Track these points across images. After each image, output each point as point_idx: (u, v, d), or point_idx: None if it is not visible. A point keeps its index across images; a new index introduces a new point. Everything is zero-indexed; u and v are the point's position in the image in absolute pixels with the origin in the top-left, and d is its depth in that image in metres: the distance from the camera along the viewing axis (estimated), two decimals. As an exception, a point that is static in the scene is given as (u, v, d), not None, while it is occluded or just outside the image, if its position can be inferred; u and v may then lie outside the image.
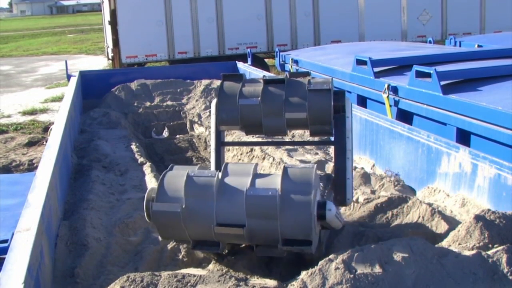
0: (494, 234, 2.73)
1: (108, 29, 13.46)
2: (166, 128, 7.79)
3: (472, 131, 4.56)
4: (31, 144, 8.63)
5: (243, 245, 2.99)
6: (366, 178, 4.61)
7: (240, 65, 9.44)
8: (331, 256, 2.53)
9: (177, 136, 7.53)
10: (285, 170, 2.51)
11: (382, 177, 4.60)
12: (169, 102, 8.45)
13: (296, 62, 8.89)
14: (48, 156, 3.95)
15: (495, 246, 2.65)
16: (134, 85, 8.87)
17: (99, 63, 21.21)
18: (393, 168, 4.72)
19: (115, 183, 4.78)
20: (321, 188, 3.08)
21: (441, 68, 5.36)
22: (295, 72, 3.57)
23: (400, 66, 6.35)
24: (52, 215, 3.38)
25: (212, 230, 2.50)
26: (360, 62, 6.63)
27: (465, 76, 5.32)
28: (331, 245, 3.29)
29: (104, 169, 5.16)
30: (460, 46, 9.54)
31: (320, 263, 2.49)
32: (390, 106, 5.75)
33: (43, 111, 12.36)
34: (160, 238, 3.40)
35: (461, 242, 2.76)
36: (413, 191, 4.37)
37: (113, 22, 12.45)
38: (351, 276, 2.38)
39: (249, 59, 10.48)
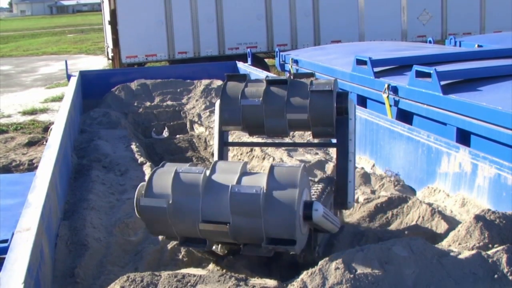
0: (494, 234, 2.73)
1: (108, 29, 13.46)
2: (166, 128, 7.79)
3: (472, 131, 4.56)
4: (31, 144, 8.63)
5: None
6: (366, 178, 4.61)
7: (240, 65, 9.44)
8: (331, 256, 2.54)
9: (177, 136, 7.53)
10: (271, 168, 2.50)
11: (382, 177, 4.60)
12: (169, 102, 8.45)
13: (296, 62, 8.89)
14: (48, 156, 3.96)
15: (495, 246, 2.65)
16: (134, 85, 8.87)
17: (99, 63, 21.21)
18: (393, 168, 4.72)
19: (115, 183, 4.78)
20: (319, 190, 3.06)
21: (441, 68, 5.36)
22: (299, 73, 3.55)
23: (400, 66, 6.35)
24: (52, 215, 3.38)
25: (197, 227, 2.50)
26: (360, 62, 6.63)
27: (465, 76, 5.32)
28: (331, 245, 3.29)
29: (104, 169, 5.16)
30: (460, 46, 9.54)
31: (320, 263, 2.49)
32: (390, 106, 5.75)
33: (43, 111, 12.35)
34: (159, 237, 3.41)
35: (461, 242, 2.76)
36: (413, 191, 4.37)
37: (113, 22, 12.44)
38: (351, 276, 2.38)
39: (249, 59, 10.48)
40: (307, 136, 5.80)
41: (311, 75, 3.38)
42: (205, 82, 8.92)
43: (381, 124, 4.94)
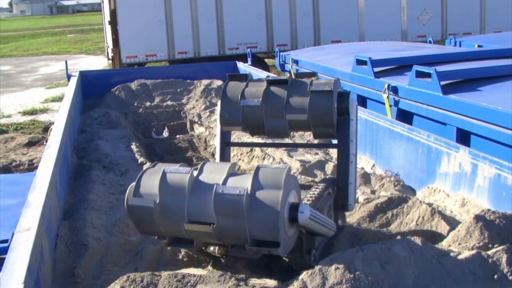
0: (494, 234, 2.73)
1: (108, 29, 13.46)
2: (166, 128, 7.79)
3: (472, 131, 4.56)
4: (31, 144, 8.63)
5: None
6: (366, 178, 4.61)
7: (240, 65, 9.44)
8: (331, 256, 2.54)
9: (177, 136, 7.53)
10: (257, 169, 2.47)
11: (382, 177, 4.60)
12: (169, 102, 8.45)
13: (296, 62, 8.89)
14: (48, 156, 3.96)
15: (495, 246, 2.65)
16: (134, 85, 8.87)
17: (99, 63, 21.21)
18: (393, 168, 4.72)
19: (115, 183, 4.78)
20: (317, 192, 3.02)
21: (441, 68, 5.36)
22: (301, 73, 3.53)
23: (400, 66, 6.35)
24: (52, 215, 3.38)
25: (182, 227, 2.50)
26: (360, 62, 6.63)
27: (465, 76, 5.32)
28: (331, 245, 3.29)
29: (104, 169, 5.16)
30: (460, 46, 9.54)
31: (320, 263, 2.49)
32: (390, 106, 5.75)
33: (43, 111, 12.35)
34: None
35: (461, 242, 2.76)
36: (413, 191, 4.37)
37: (113, 22, 12.44)
38: (351, 276, 2.38)
39: (249, 59, 10.48)
40: (308, 136, 5.80)
41: (313, 74, 3.35)
42: (205, 82, 8.92)
43: (381, 124, 4.94)
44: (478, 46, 8.97)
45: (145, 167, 5.22)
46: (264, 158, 5.40)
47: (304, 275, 2.43)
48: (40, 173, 3.59)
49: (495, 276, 2.45)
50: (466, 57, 6.50)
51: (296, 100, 3.14)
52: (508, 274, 2.45)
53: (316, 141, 5.18)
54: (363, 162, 5.16)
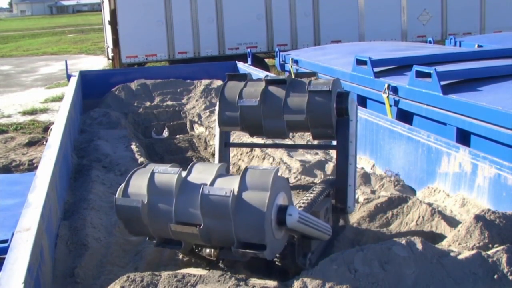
0: (494, 234, 2.73)
1: (108, 29, 13.46)
2: (166, 128, 7.79)
3: (472, 131, 4.56)
4: (31, 144, 8.62)
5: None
6: (366, 178, 4.61)
7: (240, 65, 9.44)
8: (331, 256, 2.54)
9: (177, 136, 7.53)
10: (244, 171, 2.43)
11: (382, 177, 4.60)
12: (169, 102, 8.45)
13: (296, 62, 8.89)
14: (48, 156, 3.96)
15: (495, 246, 2.65)
16: (134, 85, 8.87)
17: (99, 63, 21.21)
18: (393, 168, 4.72)
19: (115, 183, 4.78)
20: (313, 194, 2.97)
21: (441, 68, 5.36)
22: (300, 72, 3.49)
23: (400, 66, 6.35)
24: (52, 215, 3.38)
25: (169, 228, 2.47)
26: (360, 62, 6.63)
27: (465, 76, 5.32)
28: (331, 246, 3.29)
29: (104, 169, 5.16)
30: (460, 46, 9.54)
31: (320, 263, 2.49)
32: (390, 106, 5.75)
33: (43, 111, 12.35)
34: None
35: (461, 242, 2.76)
36: (413, 191, 4.37)
37: (113, 22, 12.44)
38: (351, 276, 2.38)
39: (249, 59, 10.48)
40: (307, 136, 5.79)
41: (313, 74, 3.30)
42: (205, 82, 8.92)
43: (381, 124, 4.94)
44: (478, 46, 8.97)
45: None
46: (264, 158, 5.40)
47: (304, 275, 2.43)
48: (40, 173, 3.59)
49: (495, 276, 2.45)
50: (466, 57, 6.50)
51: (294, 101, 3.09)
52: (508, 274, 2.45)
53: (316, 142, 5.18)
54: (363, 162, 5.16)
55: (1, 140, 9.12)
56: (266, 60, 14.20)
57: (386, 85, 5.76)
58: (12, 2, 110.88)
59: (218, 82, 8.84)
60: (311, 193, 3.02)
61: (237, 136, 5.75)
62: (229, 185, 2.39)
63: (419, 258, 2.48)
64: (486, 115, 4.37)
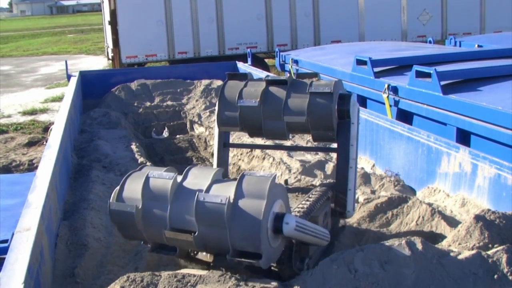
0: (494, 234, 2.73)
1: (108, 29, 13.45)
2: (166, 128, 7.79)
3: (472, 131, 4.56)
4: (31, 144, 8.63)
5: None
6: (366, 178, 4.61)
7: (240, 65, 9.45)
8: (331, 256, 2.54)
9: (177, 136, 7.53)
10: (241, 177, 2.37)
11: (382, 177, 4.60)
12: (169, 102, 8.45)
13: (296, 62, 8.89)
14: (48, 156, 3.96)
15: (495, 246, 2.65)
16: (134, 85, 8.87)
17: (99, 63, 21.21)
18: (393, 168, 4.72)
19: (115, 183, 4.76)
20: (311, 199, 2.93)
21: (441, 68, 5.36)
22: (302, 73, 3.44)
23: (400, 66, 6.35)
24: (52, 215, 3.38)
25: (163, 234, 2.43)
26: (360, 62, 6.63)
27: (465, 76, 5.32)
28: (330, 248, 3.28)
29: (104, 169, 5.16)
30: (460, 46, 9.54)
31: (320, 263, 2.49)
32: (390, 106, 5.75)
33: (43, 111, 12.35)
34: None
35: (461, 242, 2.76)
36: (413, 191, 4.37)
37: (113, 22, 12.44)
38: (351, 276, 2.38)
39: (249, 59, 10.48)
40: (308, 136, 5.79)
41: (315, 75, 3.26)
42: (205, 82, 8.92)
43: (381, 124, 4.94)
44: (478, 46, 8.97)
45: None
46: (264, 158, 5.39)
47: (304, 275, 2.43)
48: (40, 173, 3.59)
49: (495, 276, 2.45)
50: (466, 57, 6.50)
51: (295, 102, 3.04)
52: (508, 274, 2.45)
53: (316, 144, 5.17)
54: (363, 162, 5.16)
55: (1, 140, 9.12)
56: (266, 60, 14.20)
57: (386, 85, 5.76)
58: (12, 2, 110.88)
59: (218, 82, 8.84)
60: (310, 197, 2.98)
61: (237, 136, 5.75)
62: (224, 192, 2.34)
63: (419, 258, 2.48)
64: (486, 115, 4.37)
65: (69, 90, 7.27)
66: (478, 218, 2.81)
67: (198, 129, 7.62)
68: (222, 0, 12.98)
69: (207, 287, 2.38)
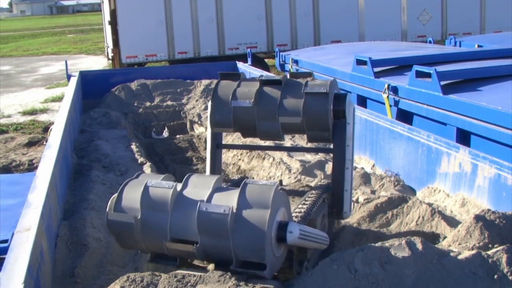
0: (494, 234, 2.73)
1: (108, 29, 13.46)
2: (166, 128, 7.79)
3: (472, 131, 4.56)
4: (31, 144, 8.63)
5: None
6: (366, 178, 4.61)
7: (240, 65, 9.45)
8: (331, 256, 2.53)
9: (177, 136, 7.53)
10: (243, 186, 2.31)
11: (382, 177, 4.60)
12: (169, 102, 8.45)
13: (296, 62, 8.89)
14: (48, 156, 3.96)
15: (495, 246, 2.65)
16: (134, 85, 8.87)
17: (99, 63, 21.21)
18: (393, 168, 4.72)
19: (115, 183, 4.78)
20: (309, 202, 2.91)
21: (441, 68, 5.36)
22: (296, 72, 3.40)
23: (400, 66, 6.35)
24: (52, 215, 3.38)
25: (164, 245, 2.39)
26: (360, 62, 6.63)
27: (465, 76, 5.32)
28: (331, 245, 3.28)
29: (104, 169, 5.16)
30: (460, 46, 9.54)
31: (320, 263, 2.49)
32: (390, 106, 5.75)
33: (43, 111, 12.35)
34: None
35: (461, 242, 2.76)
36: (413, 191, 4.37)
37: (113, 22, 12.44)
38: (351, 276, 2.37)
39: (249, 59, 10.48)
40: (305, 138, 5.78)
41: (309, 74, 3.22)
42: (205, 82, 8.92)
43: (381, 124, 4.94)
44: (478, 46, 8.97)
45: (145, 167, 5.23)
46: (264, 158, 5.39)
47: (304, 275, 2.43)
48: (40, 173, 3.59)
49: (495, 276, 2.44)
50: (466, 57, 6.50)
51: (290, 102, 2.99)
52: (508, 274, 2.45)
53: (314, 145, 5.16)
54: (363, 162, 5.16)
55: (1, 140, 9.12)
56: (266, 60, 14.20)
57: (386, 85, 5.76)
58: (12, 2, 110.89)
59: (218, 82, 8.82)
60: (306, 200, 2.95)
61: (237, 136, 5.75)
62: (227, 202, 2.29)
63: (419, 258, 2.48)
64: (486, 115, 4.37)
65: (69, 90, 7.27)
66: (478, 218, 2.81)
67: (198, 129, 7.62)
68: (222, 0, 12.99)
69: (207, 287, 2.38)
